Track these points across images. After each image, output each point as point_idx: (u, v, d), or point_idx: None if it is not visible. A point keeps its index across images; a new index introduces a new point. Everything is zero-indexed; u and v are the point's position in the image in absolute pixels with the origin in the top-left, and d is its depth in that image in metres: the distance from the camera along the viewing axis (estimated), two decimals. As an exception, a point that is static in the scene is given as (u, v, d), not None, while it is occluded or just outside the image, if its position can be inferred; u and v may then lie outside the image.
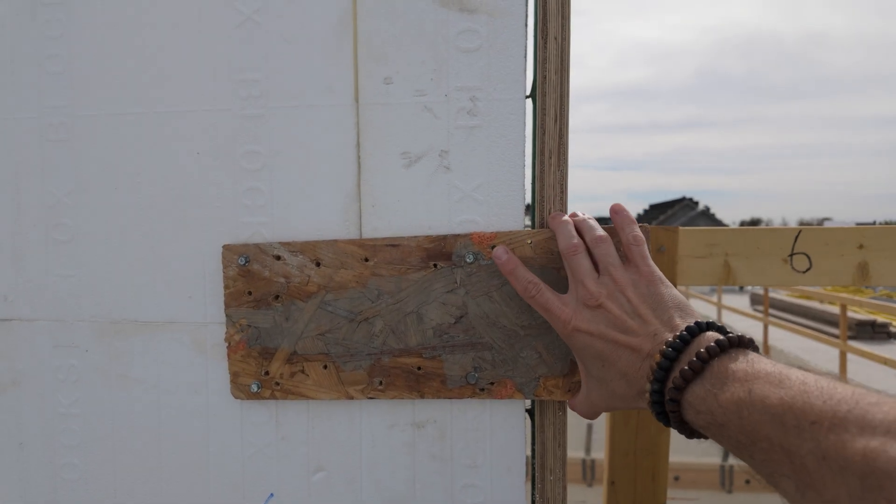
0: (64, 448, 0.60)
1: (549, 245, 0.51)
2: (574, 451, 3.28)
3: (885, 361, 4.28)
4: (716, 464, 3.33)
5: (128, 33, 0.56)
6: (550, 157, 0.51)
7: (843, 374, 4.51)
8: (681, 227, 0.84)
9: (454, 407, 0.53)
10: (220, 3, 0.55)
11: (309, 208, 0.54)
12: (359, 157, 0.53)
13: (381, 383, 0.53)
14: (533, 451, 0.53)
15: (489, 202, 0.52)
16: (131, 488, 0.59)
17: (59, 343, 0.59)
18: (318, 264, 0.53)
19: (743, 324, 6.79)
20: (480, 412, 0.53)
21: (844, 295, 6.56)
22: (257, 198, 0.55)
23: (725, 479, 3.29)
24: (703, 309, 7.74)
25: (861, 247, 0.86)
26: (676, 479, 3.40)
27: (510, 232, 0.51)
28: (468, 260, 0.52)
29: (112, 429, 0.59)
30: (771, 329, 6.12)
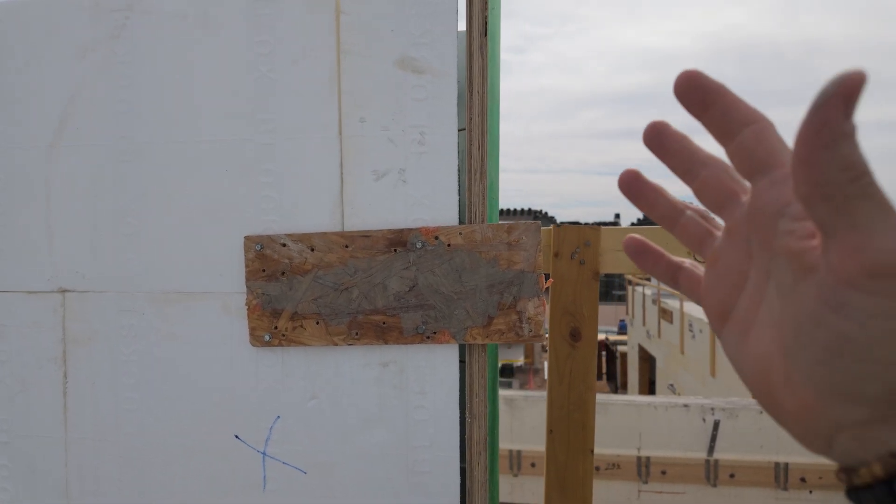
0: (124, 386, 0.82)
1: (472, 236, 0.72)
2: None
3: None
4: (701, 458, 3.49)
5: (177, 84, 0.78)
6: (475, 174, 0.73)
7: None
8: (602, 227, 1.06)
9: (409, 350, 0.75)
10: (244, 64, 0.77)
11: (306, 209, 0.76)
12: (342, 174, 0.75)
13: (356, 334, 0.75)
14: (462, 380, 0.74)
15: (433, 205, 0.74)
16: (174, 414, 0.80)
17: (123, 308, 0.81)
18: (312, 249, 0.75)
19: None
20: (427, 354, 0.75)
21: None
22: (269, 202, 0.77)
23: (710, 473, 3.45)
24: (698, 311, 7.94)
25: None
26: (663, 473, 3.58)
27: (447, 226, 0.73)
28: (418, 246, 0.73)
29: (161, 371, 0.81)
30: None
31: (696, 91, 0.30)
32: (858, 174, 0.23)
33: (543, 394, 3.83)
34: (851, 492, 0.28)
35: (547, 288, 0.75)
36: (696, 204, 0.38)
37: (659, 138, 0.35)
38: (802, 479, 3.28)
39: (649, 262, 0.40)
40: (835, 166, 0.22)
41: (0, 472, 0.84)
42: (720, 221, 0.36)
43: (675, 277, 0.39)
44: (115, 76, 0.80)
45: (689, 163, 0.34)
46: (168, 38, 0.78)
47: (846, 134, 0.22)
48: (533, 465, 3.57)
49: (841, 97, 0.22)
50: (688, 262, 0.39)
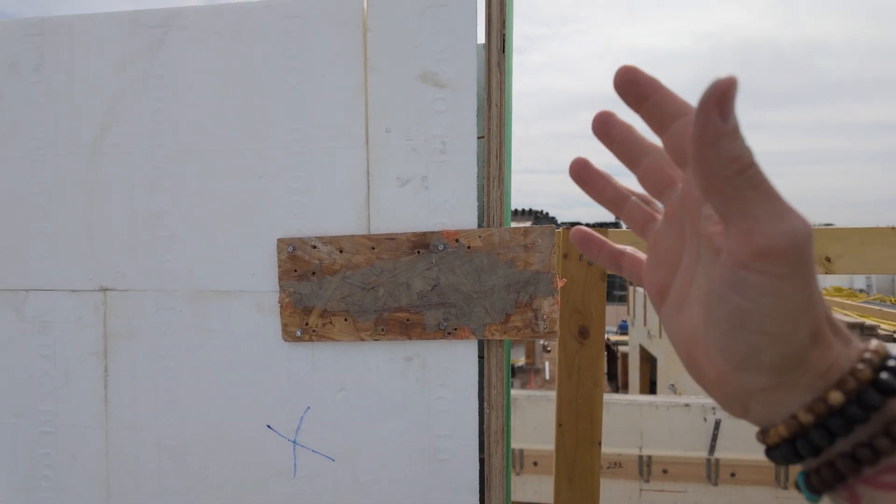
0: (162, 379, 0.87)
1: (491, 238, 0.77)
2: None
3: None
4: (702, 457, 3.53)
5: (211, 96, 0.84)
6: (493, 181, 0.78)
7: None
8: (609, 229, 1.11)
9: (431, 345, 0.80)
10: (276, 78, 0.82)
11: (335, 213, 0.81)
12: (368, 180, 0.80)
13: (382, 330, 0.80)
14: (481, 373, 0.80)
15: (454, 210, 0.79)
16: (210, 405, 0.86)
17: (161, 306, 0.86)
18: (340, 251, 0.80)
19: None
20: (448, 348, 0.80)
21: (837, 299, 6.78)
22: (300, 207, 0.82)
23: (711, 472, 3.49)
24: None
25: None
26: (664, 472, 3.62)
27: (467, 230, 0.78)
28: (440, 248, 0.78)
29: (197, 365, 0.86)
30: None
31: (632, 85, 0.33)
32: (744, 166, 0.25)
33: (545, 393, 3.87)
34: (767, 451, 0.32)
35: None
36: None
37: (605, 128, 0.38)
38: (802, 478, 3.31)
39: (593, 250, 0.43)
40: (722, 161, 0.25)
41: (43, 461, 0.89)
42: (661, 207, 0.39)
43: (618, 263, 0.42)
44: (152, 88, 0.85)
45: (633, 151, 0.38)
46: (203, 52, 0.84)
47: (726, 132, 0.24)
48: (535, 463, 3.61)
49: (714, 100, 0.24)
50: (629, 248, 0.42)
